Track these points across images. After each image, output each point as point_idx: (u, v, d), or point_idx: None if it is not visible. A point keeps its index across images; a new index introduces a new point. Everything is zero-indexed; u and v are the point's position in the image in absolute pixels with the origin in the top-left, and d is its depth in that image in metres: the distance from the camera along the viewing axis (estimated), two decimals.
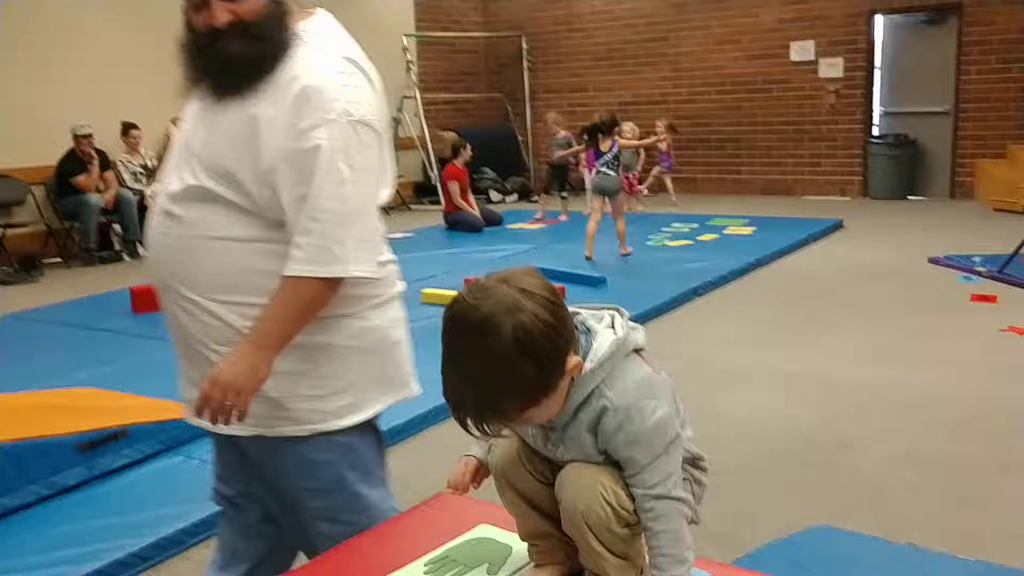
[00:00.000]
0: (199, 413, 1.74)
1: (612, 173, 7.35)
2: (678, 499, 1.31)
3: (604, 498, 1.31)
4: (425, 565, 1.51)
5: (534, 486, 1.43)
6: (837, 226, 9.01)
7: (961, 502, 3.02)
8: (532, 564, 1.48)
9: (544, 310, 1.24)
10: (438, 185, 12.04)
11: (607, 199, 7.42)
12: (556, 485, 1.37)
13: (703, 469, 1.46)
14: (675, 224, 9.20)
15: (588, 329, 1.35)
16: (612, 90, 12.76)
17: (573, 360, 1.28)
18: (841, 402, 4.07)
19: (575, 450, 1.35)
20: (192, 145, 1.78)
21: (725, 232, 8.65)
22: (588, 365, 1.31)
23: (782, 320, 5.62)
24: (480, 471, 1.54)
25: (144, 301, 5.94)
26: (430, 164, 12.16)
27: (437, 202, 11.96)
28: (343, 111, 1.66)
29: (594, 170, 7.45)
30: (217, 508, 2.10)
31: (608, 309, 1.41)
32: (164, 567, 2.84)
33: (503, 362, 1.22)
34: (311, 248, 1.67)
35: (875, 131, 11.46)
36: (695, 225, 9.14)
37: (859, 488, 3.15)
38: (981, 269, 6.54)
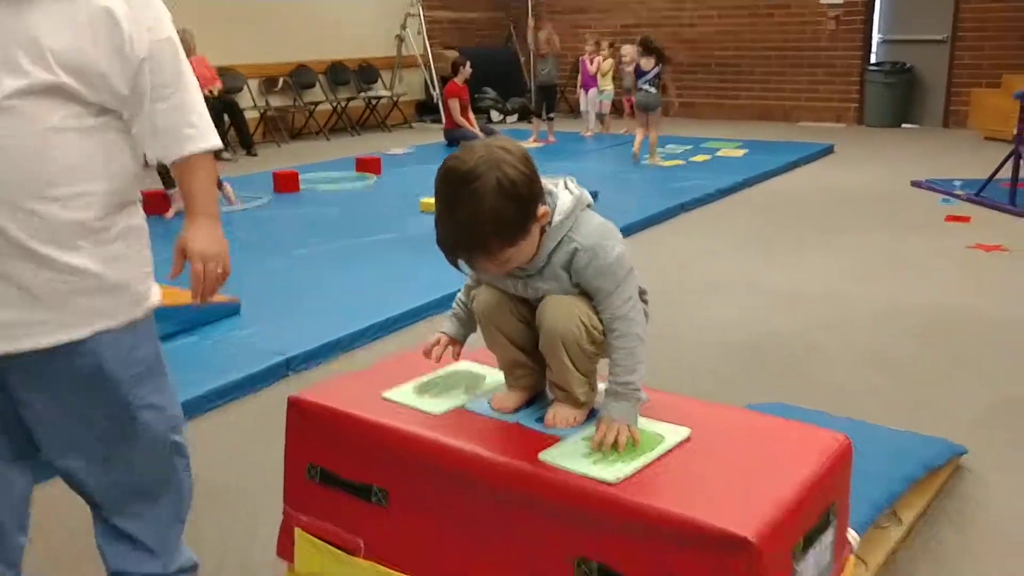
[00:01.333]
0: (200, 295, 1.91)
1: (653, 90, 8.20)
2: (636, 320, 1.66)
3: (580, 319, 1.64)
4: (414, 388, 1.83)
5: (515, 325, 1.74)
6: (827, 151, 9.23)
7: (917, 401, 3.33)
8: (505, 388, 1.80)
9: (521, 163, 1.56)
10: (439, 103, 12.21)
11: (648, 114, 8.27)
12: (538, 311, 1.68)
13: (646, 301, 1.79)
14: (669, 145, 9.41)
15: (550, 192, 1.66)
16: (613, 12, 12.84)
17: (543, 208, 1.59)
18: (815, 311, 4.37)
19: (552, 286, 1.66)
20: (27, 38, 1.69)
21: (718, 154, 8.88)
22: (557, 218, 1.62)
23: (765, 236, 5.90)
24: (452, 347, 1.83)
25: None
26: (432, 83, 12.29)
27: (439, 120, 12.12)
28: (163, 6, 1.85)
29: (642, 86, 8.26)
30: None
31: (561, 177, 1.71)
32: None
33: (488, 205, 1.51)
34: (201, 126, 1.86)
35: (873, 58, 11.59)
36: (688, 147, 9.35)
37: (825, 386, 3.45)
38: (960, 192, 6.80)
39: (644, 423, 1.66)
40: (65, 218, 1.71)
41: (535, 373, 1.78)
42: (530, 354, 1.75)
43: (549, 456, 1.55)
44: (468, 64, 10.01)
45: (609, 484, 1.46)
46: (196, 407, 3.23)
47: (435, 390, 1.81)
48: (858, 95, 11.56)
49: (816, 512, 1.49)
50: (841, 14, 11.37)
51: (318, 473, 1.79)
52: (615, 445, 1.57)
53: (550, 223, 1.62)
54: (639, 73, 8.27)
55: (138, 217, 1.87)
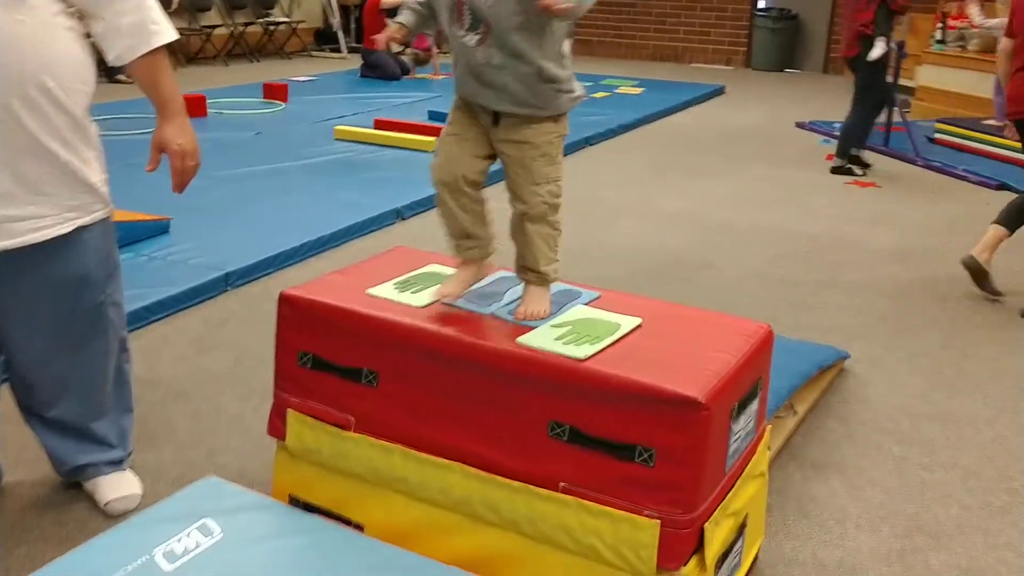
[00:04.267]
0: (180, 186, 2.09)
1: None
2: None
3: (546, 199, 1.92)
4: (394, 285, 2.06)
5: (475, 164, 1.92)
6: (719, 91, 9.69)
7: (792, 306, 3.75)
8: (460, 261, 2.00)
9: None
10: (339, 32, 12.11)
11: None
12: (507, 185, 1.91)
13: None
14: None
15: None
16: None
17: None
18: (706, 234, 4.77)
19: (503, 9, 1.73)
20: None
21: (616, 91, 9.20)
22: None
23: (662, 168, 6.27)
24: (400, 32, 1.92)
25: None
26: (331, 10, 12.14)
27: (338, 50, 12.05)
28: None
29: None
30: None
31: None
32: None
33: None
34: (161, 22, 2.00)
35: (761, 3, 12.08)
36: (588, 84, 9.60)
37: (714, 296, 3.84)
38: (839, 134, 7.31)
39: (601, 314, 1.94)
40: (65, 109, 1.89)
41: (482, 246, 1.98)
42: (481, 227, 1.96)
43: (526, 339, 1.81)
44: None
45: (579, 360, 1.74)
46: (141, 317, 3.35)
47: (414, 287, 2.05)
48: (747, 39, 12.05)
49: (747, 383, 1.81)
50: None
51: (310, 360, 2.00)
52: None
53: None
54: None
55: (95, 124, 2.02)
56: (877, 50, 5.75)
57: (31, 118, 1.83)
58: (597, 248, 4.44)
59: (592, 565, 1.73)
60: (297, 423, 2.02)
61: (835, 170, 6.23)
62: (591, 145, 6.89)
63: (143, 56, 1.98)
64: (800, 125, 7.87)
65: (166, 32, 2.02)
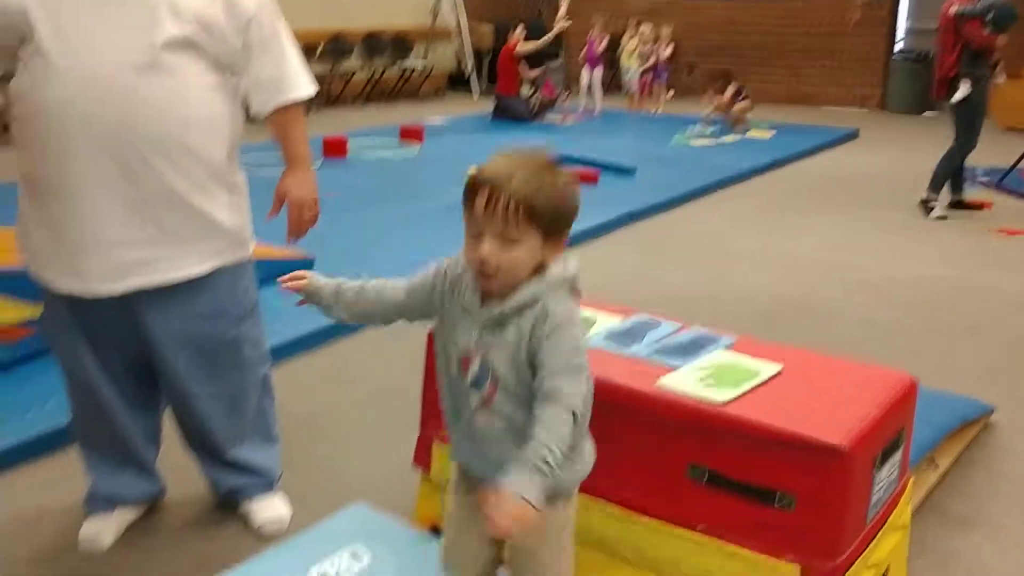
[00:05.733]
0: (296, 235, 2.23)
1: None
2: (576, 393, 1.43)
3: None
4: None
5: (483, 554, 1.64)
6: (852, 135, 9.49)
7: (928, 356, 3.64)
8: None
9: (576, 197, 1.49)
10: (471, 77, 12.46)
11: None
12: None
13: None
14: (698, 126, 9.66)
15: None
16: None
17: (563, 239, 1.47)
18: (835, 279, 4.69)
19: (506, 345, 1.45)
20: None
21: (747, 135, 9.13)
22: (551, 271, 1.47)
23: (790, 212, 6.19)
24: (307, 290, 1.66)
25: None
26: (465, 55, 12.50)
27: (470, 93, 12.39)
28: None
29: None
30: None
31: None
32: None
33: (555, 181, 1.43)
34: (300, 76, 2.12)
35: (898, 46, 11.81)
36: (716, 127, 9.61)
37: (844, 343, 3.76)
38: (982, 179, 7.07)
39: (741, 359, 1.96)
40: (204, 164, 2.02)
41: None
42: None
43: (667, 382, 1.85)
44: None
45: (719, 404, 1.77)
46: (286, 351, 3.53)
47: None
48: (882, 81, 11.78)
49: (891, 433, 1.80)
50: (869, 2, 11.56)
51: None
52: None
53: (544, 270, 1.47)
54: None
55: (242, 173, 2.17)
56: (960, 92, 5.82)
57: (171, 172, 1.97)
58: (724, 293, 4.43)
59: None
60: (442, 456, 2.10)
61: (921, 202, 6.24)
62: (720, 189, 6.86)
63: (278, 109, 2.13)
64: None
65: (302, 88, 2.15)
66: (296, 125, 2.18)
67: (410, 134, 8.22)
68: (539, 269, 1.46)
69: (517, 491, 1.32)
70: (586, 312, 2.21)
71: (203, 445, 2.32)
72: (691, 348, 2.04)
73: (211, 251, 2.08)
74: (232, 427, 2.30)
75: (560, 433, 1.38)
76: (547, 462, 1.35)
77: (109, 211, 1.94)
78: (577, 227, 1.54)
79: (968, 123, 5.98)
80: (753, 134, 9.18)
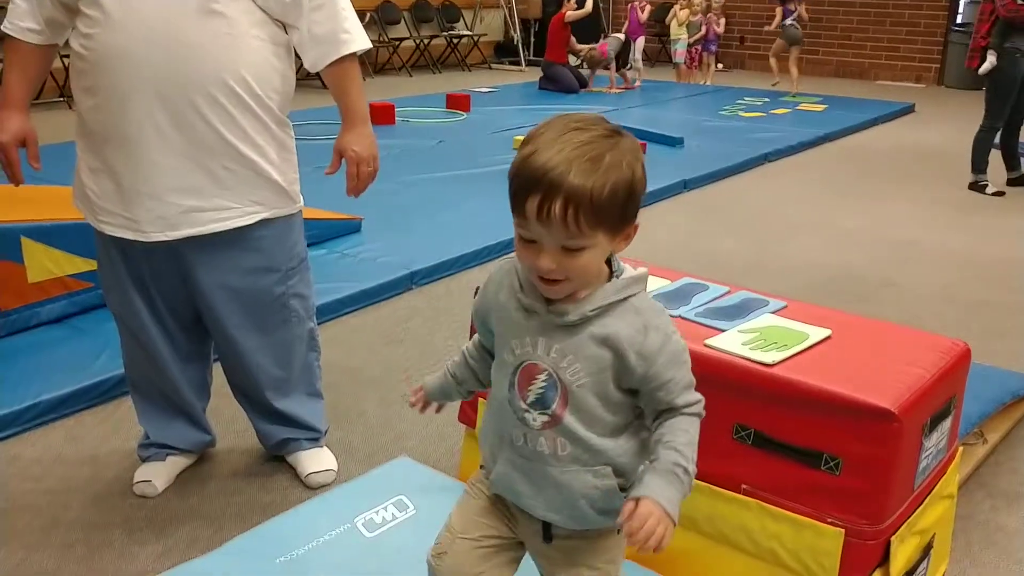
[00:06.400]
0: (355, 191, 2.21)
1: (798, 25, 9.51)
2: (698, 414, 1.28)
3: None
4: None
5: None
6: (908, 110, 9.31)
7: (982, 331, 3.59)
8: None
9: (643, 168, 1.22)
10: (519, 46, 12.41)
11: (792, 48, 9.60)
12: None
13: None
14: (748, 98, 9.55)
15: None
16: None
17: (634, 226, 1.24)
18: (889, 252, 4.63)
19: (581, 365, 1.24)
20: None
21: (797, 108, 9.00)
22: (623, 275, 1.26)
23: (843, 185, 6.11)
24: (428, 406, 1.54)
25: None
26: (513, 24, 12.44)
27: (517, 63, 12.35)
28: None
29: (788, 22, 9.50)
30: None
31: None
32: None
33: (618, 161, 1.17)
34: (354, 31, 2.11)
35: (959, 19, 11.51)
36: (767, 99, 9.48)
37: (897, 315, 3.70)
38: None
39: (790, 323, 1.95)
40: (255, 116, 2.03)
41: None
42: None
43: (714, 342, 1.85)
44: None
45: (767, 365, 1.76)
46: (334, 309, 3.58)
47: None
48: (940, 55, 11.51)
49: (941, 400, 1.78)
50: None
51: None
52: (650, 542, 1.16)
53: (616, 275, 1.26)
54: (786, 12, 9.43)
55: (290, 128, 2.17)
56: (986, 64, 5.79)
57: (221, 121, 1.98)
58: (773, 262, 4.39)
59: (771, 568, 1.75)
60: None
61: (970, 186, 6.13)
62: (769, 162, 6.78)
63: (334, 63, 2.12)
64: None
65: (358, 41, 2.14)
66: (353, 81, 2.18)
67: (457, 102, 8.23)
68: (611, 267, 1.27)
69: (661, 502, 1.17)
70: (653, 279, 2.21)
71: (251, 396, 2.36)
72: (739, 311, 2.03)
73: (260, 203, 2.10)
74: (279, 380, 2.33)
75: (694, 441, 1.24)
76: (686, 470, 1.20)
77: (161, 158, 1.96)
78: None
79: (995, 96, 5.87)
80: (804, 107, 9.04)
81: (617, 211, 1.18)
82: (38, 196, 3.53)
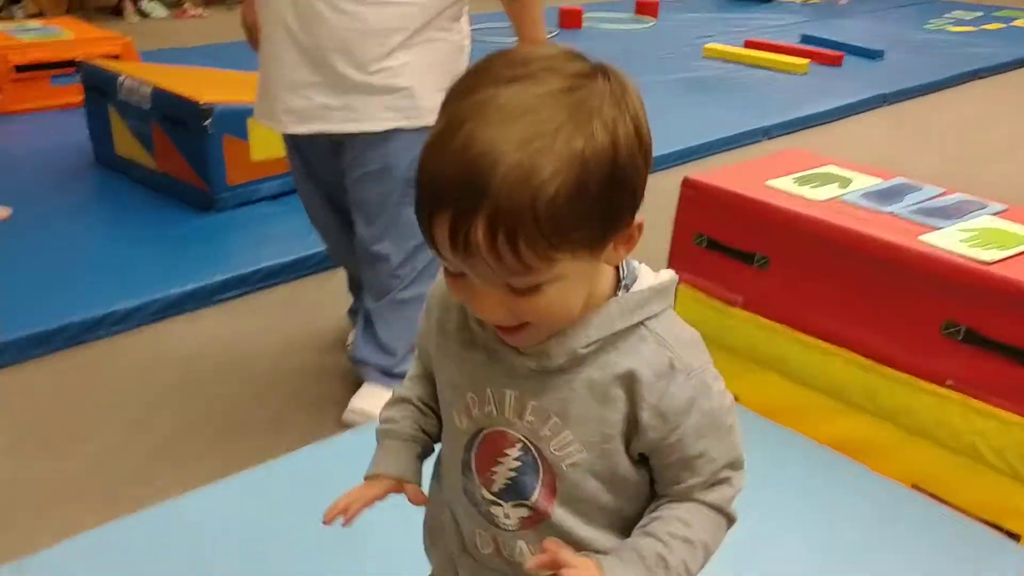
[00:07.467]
0: None
1: None
2: (722, 521, 0.87)
3: None
4: (793, 179, 2.15)
5: None
6: None
7: None
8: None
9: (643, 112, 0.76)
10: None
11: None
12: None
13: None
14: (957, 12, 8.91)
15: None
16: None
17: (639, 219, 0.78)
18: None
19: (575, 435, 0.82)
20: None
21: (1012, 24, 8.35)
22: (636, 287, 0.82)
23: None
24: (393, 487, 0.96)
25: None
26: None
27: None
28: None
29: None
30: None
31: None
32: None
33: (591, 124, 0.71)
34: None
35: None
36: (979, 14, 8.82)
37: None
38: None
39: (1011, 225, 1.91)
40: (388, 22, 1.99)
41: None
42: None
43: (930, 238, 1.84)
44: None
45: (985, 263, 1.74)
46: None
47: (813, 183, 2.12)
48: None
49: None
50: None
51: (705, 240, 2.16)
52: None
53: (626, 288, 0.82)
54: None
55: (442, 39, 2.08)
56: None
57: (339, 21, 1.97)
58: (978, 178, 4.17)
59: (967, 463, 1.76)
60: (686, 297, 2.19)
61: None
62: (980, 79, 6.37)
63: None
64: None
65: None
66: (531, 6, 2.11)
67: (645, 8, 8.09)
68: (617, 281, 0.83)
69: (604, 566, 0.80)
70: (840, 170, 2.20)
71: (361, 297, 2.36)
72: (955, 212, 2.00)
73: (390, 109, 2.06)
74: (378, 292, 2.27)
75: (703, 539, 0.84)
76: (664, 561, 0.81)
77: (288, 55, 2.04)
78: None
79: None
80: (1021, 23, 8.37)
81: (590, 214, 0.72)
82: None
